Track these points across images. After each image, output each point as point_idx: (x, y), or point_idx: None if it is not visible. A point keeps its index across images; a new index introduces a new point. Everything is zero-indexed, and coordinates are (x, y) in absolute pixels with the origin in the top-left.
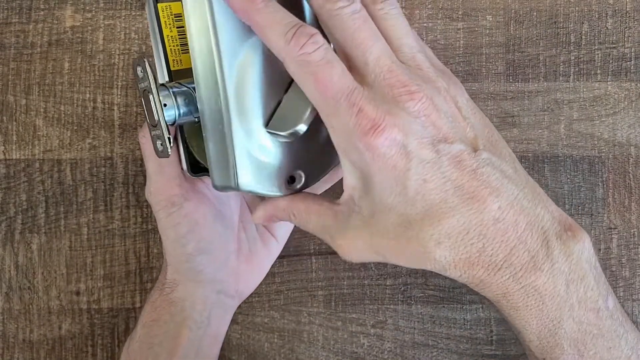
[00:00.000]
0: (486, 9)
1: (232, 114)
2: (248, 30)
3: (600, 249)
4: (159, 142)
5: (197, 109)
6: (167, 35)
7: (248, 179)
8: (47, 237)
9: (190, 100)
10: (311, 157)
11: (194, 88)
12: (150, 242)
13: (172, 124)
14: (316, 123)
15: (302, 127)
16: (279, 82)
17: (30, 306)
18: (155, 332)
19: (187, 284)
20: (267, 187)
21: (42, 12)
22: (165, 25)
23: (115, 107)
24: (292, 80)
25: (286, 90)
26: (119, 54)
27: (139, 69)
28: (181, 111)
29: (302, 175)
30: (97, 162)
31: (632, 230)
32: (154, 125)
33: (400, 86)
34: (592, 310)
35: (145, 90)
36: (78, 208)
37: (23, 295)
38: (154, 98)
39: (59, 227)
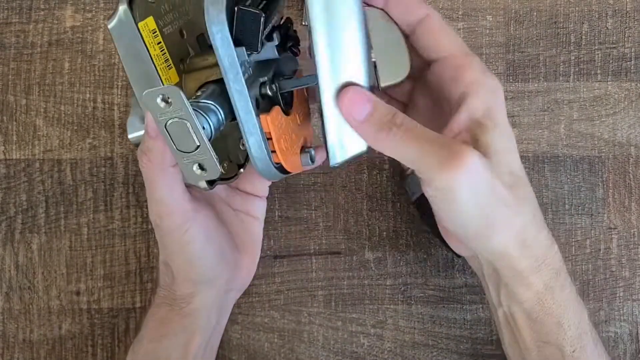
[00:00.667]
0: (486, 9)
1: None
2: None
3: (600, 249)
4: (195, 166)
5: (218, 120)
6: (154, 55)
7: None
8: (47, 237)
9: (212, 111)
10: None
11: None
12: (150, 242)
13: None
14: None
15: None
16: None
17: (31, 306)
18: (165, 345)
19: (203, 294)
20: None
21: (42, 12)
22: (150, 45)
23: (116, 107)
24: None
25: None
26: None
27: (160, 99)
28: (213, 127)
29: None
30: (97, 162)
31: (632, 230)
32: (191, 150)
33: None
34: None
35: (174, 119)
36: (78, 208)
37: (23, 295)
38: (192, 125)
39: (59, 227)
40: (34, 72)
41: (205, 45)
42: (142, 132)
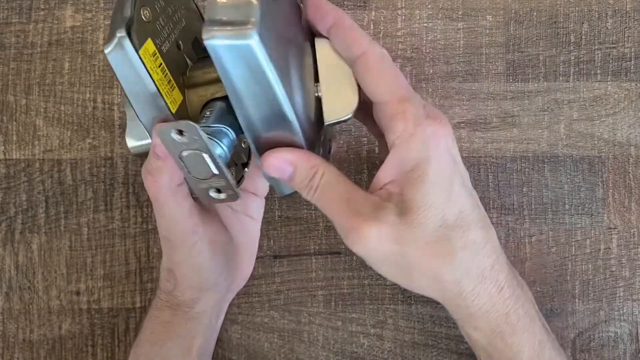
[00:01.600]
0: (486, 9)
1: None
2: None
3: (600, 249)
4: (212, 190)
5: (231, 141)
6: (157, 80)
7: None
8: (47, 237)
9: (224, 135)
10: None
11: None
12: (150, 242)
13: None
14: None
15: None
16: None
17: (30, 306)
18: (168, 347)
19: (206, 299)
20: None
21: (42, 12)
22: (152, 70)
23: (116, 107)
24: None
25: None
26: None
27: (174, 133)
28: (228, 151)
29: None
30: (97, 162)
31: (632, 230)
32: (207, 177)
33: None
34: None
35: (191, 152)
36: (78, 208)
37: (23, 295)
38: (209, 155)
39: (59, 227)
40: (34, 72)
41: (200, 49)
42: (143, 142)
